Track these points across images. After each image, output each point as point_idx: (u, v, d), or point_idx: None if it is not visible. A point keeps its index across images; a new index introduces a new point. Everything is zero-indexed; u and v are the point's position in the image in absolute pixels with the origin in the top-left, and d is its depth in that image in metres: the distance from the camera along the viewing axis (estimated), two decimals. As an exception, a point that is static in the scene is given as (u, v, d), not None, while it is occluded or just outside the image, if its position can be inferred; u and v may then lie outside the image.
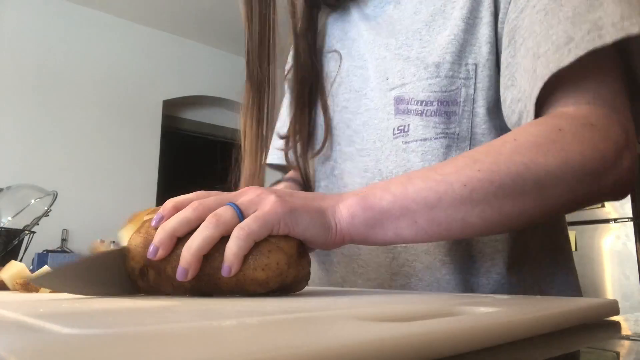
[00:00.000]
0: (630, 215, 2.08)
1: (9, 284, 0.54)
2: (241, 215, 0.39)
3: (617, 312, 0.33)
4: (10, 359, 0.14)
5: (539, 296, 0.39)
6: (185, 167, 4.95)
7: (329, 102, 0.67)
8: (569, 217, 2.23)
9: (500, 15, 0.52)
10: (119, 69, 3.51)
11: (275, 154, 0.78)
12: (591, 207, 2.16)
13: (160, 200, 3.52)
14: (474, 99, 0.53)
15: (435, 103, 0.53)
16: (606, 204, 2.14)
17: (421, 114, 0.54)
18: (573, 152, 0.41)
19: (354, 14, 0.68)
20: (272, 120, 0.67)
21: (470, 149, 0.53)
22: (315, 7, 0.71)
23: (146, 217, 0.43)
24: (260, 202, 0.40)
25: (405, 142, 0.55)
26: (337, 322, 0.22)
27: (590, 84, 0.44)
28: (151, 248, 0.38)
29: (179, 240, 0.39)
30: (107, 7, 3.44)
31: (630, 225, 2.08)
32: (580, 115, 0.43)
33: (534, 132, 0.42)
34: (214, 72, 3.99)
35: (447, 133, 0.53)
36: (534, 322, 0.25)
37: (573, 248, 2.19)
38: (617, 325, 0.32)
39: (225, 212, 0.39)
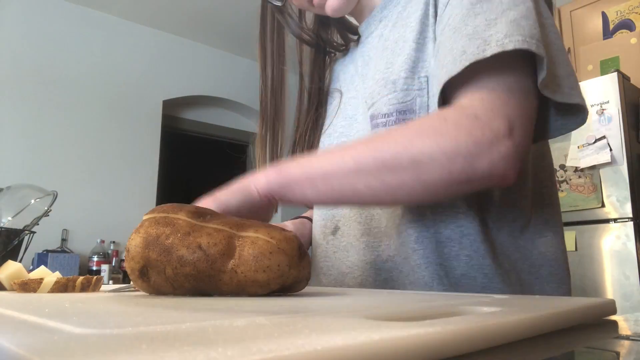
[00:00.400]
0: (630, 215, 2.08)
1: (6, 284, 0.54)
2: None
3: (614, 312, 0.33)
4: (34, 358, 0.14)
5: (537, 296, 0.39)
6: (185, 167, 4.95)
7: (330, 130, 0.78)
8: (569, 218, 2.22)
9: (436, 27, 0.62)
10: (119, 69, 3.51)
11: None
12: (591, 207, 2.16)
13: (160, 200, 3.52)
14: (428, 105, 0.61)
15: (394, 114, 0.62)
16: (606, 203, 2.14)
17: (385, 124, 0.63)
18: (448, 136, 0.49)
19: (355, 53, 0.79)
20: (283, 154, 0.80)
21: None
22: (321, 54, 0.84)
23: (145, 217, 0.42)
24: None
25: None
26: (350, 321, 0.22)
27: (486, 81, 0.53)
28: None
29: (177, 244, 0.40)
30: (108, 8, 3.44)
31: (630, 225, 2.08)
32: (469, 106, 0.51)
33: (424, 121, 0.53)
34: (214, 72, 3.99)
35: None
36: (538, 321, 0.25)
37: (573, 248, 2.20)
38: (614, 324, 0.32)
39: None
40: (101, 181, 3.31)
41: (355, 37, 0.82)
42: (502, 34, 0.51)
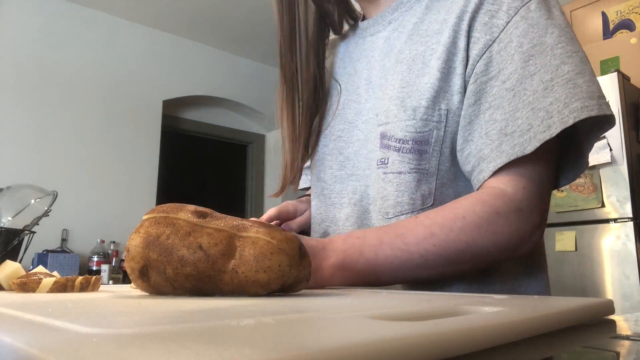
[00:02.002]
0: (630, 215, 2.08)
1: (4, 284, 0.54)
2: None
3: (612, 312, 0.33)
4: (49, 358, 0.14)
5: (535, 296, 0.39)
6: (185, 167, 4.95)
7: (327, 131, 0.75)
8: (569, 218, 2.23)
9: (468, 69, 0.59)
10: (119, 69, 3.51)
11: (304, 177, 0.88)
12: (591, 207, 2.16)
13: (160, 200, 3.52)
14: (443, 140, 0.61)
15: (410, 142, 0.61)
16: (606, 203, 2.14)
17: (399, 150, 0.62)
18: (503, 234, 0.55)
19: (355, 49, 0.76)
20: (306, 110, 0.76)
21: (436, 183, 0.62)
22: (322, 28, 0.78)
23: (145, 217, 0.42)
24: None
25: (385, 173, 0.63)
26: (357, 321, 0.22)
27: (528, 170, 0.56)
28: None
29: (177, 244, 0.40)
30: (108, 8, 3.44)
31: (630, 225, 2.08)
32: (516, 199, 0.55)
33: (479, 213, 0.55)
34: (214, 72, 3.99)
35: (418, 169, 0.61)
36: (542, 320, 0.26)
37: (573, 248, 2.20)
38: (612, 324, 0.32)
39: None
40: (101, 181, 3.31)
41: (352, 23, 0.79)
42: (562, 103, 0.53)
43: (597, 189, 2.16)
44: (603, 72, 2.38)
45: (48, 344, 0.17)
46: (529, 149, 0.54)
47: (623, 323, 0.33)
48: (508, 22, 0.57)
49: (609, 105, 0.54)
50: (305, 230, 0.82)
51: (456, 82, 0.60)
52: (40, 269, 0.55)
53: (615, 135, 2.13)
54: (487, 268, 0.61)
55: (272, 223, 0.71)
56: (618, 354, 0.24)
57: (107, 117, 3.41)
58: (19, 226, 1.10)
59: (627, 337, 0.28)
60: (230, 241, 0.40)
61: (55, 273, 0.52)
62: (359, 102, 0.71)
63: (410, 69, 0.63)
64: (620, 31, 2.59)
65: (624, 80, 2.20)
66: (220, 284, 0.39)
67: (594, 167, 2.17)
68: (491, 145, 0.57)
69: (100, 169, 3.32)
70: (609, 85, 2.17)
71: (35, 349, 0.16)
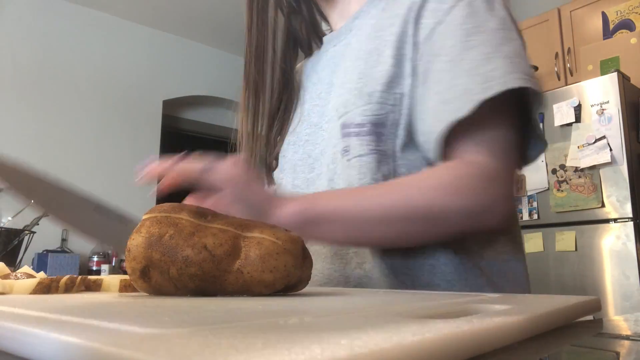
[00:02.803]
0: (630, 215, 2.08)
1: None
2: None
3: (599, 309, 0.33)
4: (139, 356, 0.14)
5: (527, 295, 0.39)
6: (185, 167, 4.94)
7: (294, 137, 0.78)
8: (569, 218, 2.22)
9: (419, 53, 0.63)
10: (119, 69, 3.51)
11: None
12: (591, 207, 2.16)
13: (160, 201, 3.51)
14: (398, 122, 0.63)
15: (368, 125, 0.63)
16: (606, 203, 2.14)
17: (358, 134, 0.64)
18: (468, 197, 0.54)
19: (321, 61, 0.79)
20: (265, 120, 0.79)
21: (394, 165, 0.63)
22: (290, 49, 0.82)
23: (145, 217, 0.42)
24: (223, 182, 0.52)
25: (348, 160, 0.65)
26: (391, 319, 0.23)
27: (489, 131, 0.57)
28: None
29: (181, 244, 0.40)
30: (107, 7, 3.44)
31: (630, 225, 2.08)
32: (479, 166, 0.56)
33: (441, 176, 0.56)
34: (214, 72, 3.99)
35: (377, 150, 0.63)
36: (549, 317, 0.26)
37: (573, 248, 2.20)
38: (599, 321, 0.32)
39: (192, 171, 0.53)
40: (101, 181, 3.31)
41: (320, 45, 0.83)
42: (502, 70, 0.55)
43: (597, 189, 2.16)
44: (603, 72, 2.38)
45: (122, 343, 0.16)
46: (465, 110, 0.54)
47: (623, 323, 0.33)
48: (453, 7, 0.61)
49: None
50: None
51: (407, 66, 0.63)
52: (25, 269, 0.53)
53: (615, 135, 2.13)
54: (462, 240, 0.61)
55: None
56: (618, 354, 0.24)
57: (107, 117, 3.41)
58: (19, 226, 1.10)
59: (627, 337, 0.28)
60: (235, 241, 0.40)
61: (41, 274, 0.49)
62: (322, 105, 0.74)
63: (366, 62, 0.67)
64: (620, 31, 2.59)
65: (624, 80, 2.20)
66: (224, 284, 0.39)
67: (594, 167, 2.17)
68: (435, 118, 0.58)
69: (100, 169, 3.32)
70: (609, 85, 2.17)
71: (114, 348, 0.15)
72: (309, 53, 0.85)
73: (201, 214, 0.43)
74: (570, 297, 0.34)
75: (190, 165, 0.52)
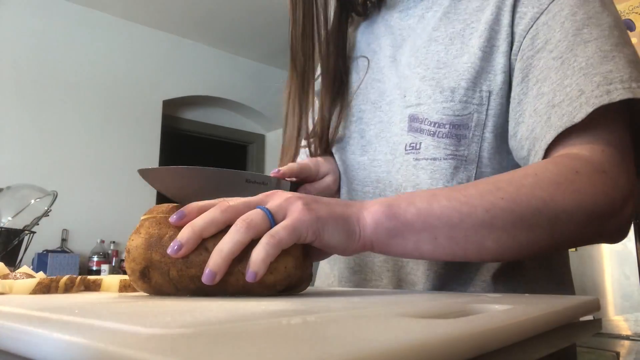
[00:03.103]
0: (630, 215, 2.08)
1: None
2: (273, 220, 0.39)
3: (598, 309, 0.33)
4: (144, 356, 0.14)
5: (526, 295, 0.39)
6: (185, 167, 4.93)
7: (345, 111, 0.69)
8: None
9: (515, 46, 0.54)
10: (119, 69, 3.51)
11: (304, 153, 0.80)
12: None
13: (160, 200, 3.51)
14: (484, 124, 0.55)
15: (447, 126, 0.55)
16: (606, 204, 2.14)
17: (433, 134, 0.56)
18: (587, 194, 0.44)
19: (380, 26, 0.70)
20: (311, 109, 0.69)
21: (476, 171, 0.56)
22: (344, 12, 0.73)
23: (143, 218, 0.42)
24: (288, 207, 0.40)
25: (416, 159, 0.58)
26: (392, 319, 0.23)
27: (602, 131, 0.48)
28: (175, 245, 0.38)
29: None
30: (107, 7, 3.44)
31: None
32: (595, 160, 0.46)
33: (554, 170, 0.45)
34: (214, 72, 3.99)
35: (456, 155, 0.56)
36: (551, 316, 0.26)
37: (573, 248, 2.19)
38: (598, 322, 0.32)
39: (257, 217, 0.39)
40: (101, 181, 3.30)
41: (375, 1, 0.73)
42: (627, 74, 0.47)
43: (597, 189, 2.16)
44: (603, 72, 2.37)
45: (126, 343, 0.16)
46: (579, 116, 0.46)
47: (623, 323, 0.33)
48: None
49: None
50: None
51: (499, 61, 0.55)
52: (25, 269, 0.53)
53: (615, 135, 2.12)
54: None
55: (291, 179, 0.60)
56: (618, 354, 0.24)
57: (107, 117, 3.41)
58: (19, 226, 1.10)
59: (627, 337, 0.28)
60: None
61: (40, 274, 0.49)
62: (383, 81, 0.66)
63: (447, 49, 0.58)
64: (620, 31, 2.59)
65: (624, 80, 2.20)
66: (225, 285, 0.39)
67: (594, 167, 2.16)
68: (541, 121, 0.50)
69: (100, 169, 3.32)
70: (609, 85, 2.17)
71: (119, 348, 0.15)
72: (364, 13, 0.74)
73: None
74: (569, 297, 0.34)
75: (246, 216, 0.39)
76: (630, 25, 2.57)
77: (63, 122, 3.22)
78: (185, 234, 0.38)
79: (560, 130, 0.47)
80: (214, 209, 0.39)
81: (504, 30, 0.55)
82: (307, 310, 0.28)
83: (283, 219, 0.39)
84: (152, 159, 3.55)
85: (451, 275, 0.58)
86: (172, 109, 3.85)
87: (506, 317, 0.23)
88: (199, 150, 4.33)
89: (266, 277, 0.38)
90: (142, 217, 0.42)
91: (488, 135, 0.56)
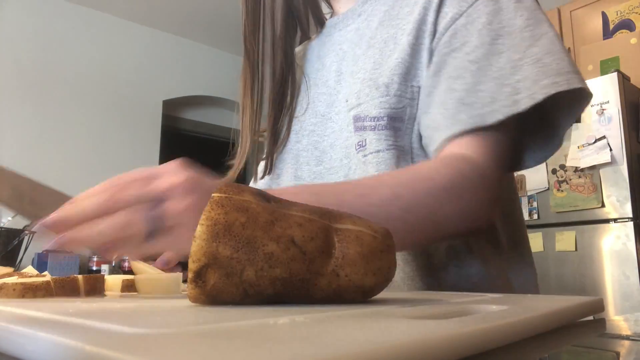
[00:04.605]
0: (630, 215, 2.08)
1: None
2: (151, 236, 0.38)
3: (602, 309, 0.33)
4: (116, 355, 0.14)
5: (529, 295, 0.39)
6: (185, 167, 4.93)
7: (297, 127, 0.73)
8: (569, 218, 2.22)
9: (435, 41, 0.59)
10: (119, 69, 3.51)
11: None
12: (591, 207, 2.16)
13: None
14: (415, 117, 0.60)
15: (385, 118, 0.60)
16: (606, 203, 2.14)
17: (374, 128, 0.60)
18: (469, 200, 0.52)
19: (323, 45, 0.75)
20: (263, 96, 0.73)
21: (412, 162, 0.60)
22: (292, 22, 0.77)
23: (212, 195, 0.31)
24: (177, 217, 0.39)
25: (364, 156, 0.61)
26: (385, 319, 0.23)
27: (489, 141, 0.54)
28: (53, 217, 0.36)
29: (262, 235, 0.30)
30: (107, 7, 3.44)
31: (630, 225, 2.08)
32: (480, 164, 0.53)
33: (446, 176, 0.51)
34: (214, 72, 3.99)
35: (396, 145, 0.60)
36: (541, 319, 0.26)
37: (573, 248, 2.19)
38: (602, 322, 0.32)
39: (135, 225, 0.38)
40: (101, 181, 3.29)
41: (320, 29, 0.78)
42: (530, 80, 0.52)
43: (597, 189, 2.16)
44: (603, 72, 2.38)
45: (107, 343, 0.17)
46: (490, 120, 0.52)
47: (623, 323, 0.33)
48: (477, 0, 0.57)
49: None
50: None
51: (424, 56, 0.60)
52: (30, 269, 0.53)
53: (615, 135, 2.12)
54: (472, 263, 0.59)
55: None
56: (618, 354, 0.24)
57: (107, 117, 3.41)
58: (19, 226, 1.10)
59: (627, 337, 0.28)
60: (327, 234, 0.31)
61: (45, 273, 0.49)
62: (330, 94, 0.70)
63: (382, 51, 0.63)
64: (620, 31, 2.59)
65: (624, 80, 2.20)
66: (313, 289, 0.31)
67: (594, 167, 2.16)
68: (445, 114, 0.55)
69: (100, 169, 3.32)
70: (609, 86, 2.17)
71: (98, 348, 0.16)
72: (307, 37, 0.80)
73: (265, 197, 0.33)
74: (572, 297, 0.34)
75: (121, 194, 0.39)
76: (630, 25, 2.57)
77: (63, 122, 3.22)
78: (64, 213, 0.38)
79: (469, 127, 0.53)
80: (101, 195, 0.42)
81: (428, 28, 0.60)
82: (297, 310, 0.27)
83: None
84: (152, 159, 3.55)
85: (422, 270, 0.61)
86: (172, 109, 3.85)
87: (498, 318, 0.23)
88: (199, 150, 4.33)
89: (368, 279, 0.31)
90: (212, 195, 0.32)
91: (417, 127, 0.60)
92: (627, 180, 2.09)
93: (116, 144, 3.41)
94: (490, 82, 0.54)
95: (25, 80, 3.13)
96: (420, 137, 0.60)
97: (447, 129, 0.55)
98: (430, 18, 0.60)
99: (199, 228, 0.30)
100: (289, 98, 0.75)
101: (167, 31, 3.77)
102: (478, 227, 0.55)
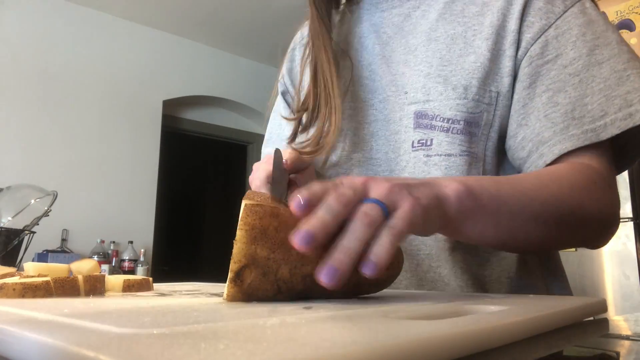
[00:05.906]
0: (630, 215, 2.08)
1: None
2: (387, 213, 0.35)
3: (605, 310, 0.33)
4: (93, 355, 0.15)
5: (531, 295, 0.39)
6: (185, 167, 4.95)
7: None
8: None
9: (521, 52, 0.57)
10: (119, 69, 3.51)
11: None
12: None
13: (160, 201, 3.52)
14: (491, 124, 0.58)
15: (462, 122, 0.57)
16: (606, 204, 2.14)
17: (447, 130, 0.58)
18: (605, 203, 0.52)
19: (363, 22, 0.70)
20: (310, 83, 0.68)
21: (483, 169, 0.59)
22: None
23: (245, 202, 0.34)
24: (397, 199, 0.36)
25: (427, 156, 0.58)
26: (378, 320, 0.23)
27: (601, 154, 0.54)
28: (307, 236, 0.31)
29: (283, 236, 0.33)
30: (108, 7, 3.44)
31: (630, 225, 2.08)
32: (605, 175, 0.53)
33: (579, 177, 0.50)
34: (214, 72, 3.99)
35: (469, 151, 0.58)
36: (550, 318, 0.26)
37: (573, 248, 2.19)
38: (605, 322, 0.32)
39: (374, 211, 0.35)
40: (101, 181, 3.30)
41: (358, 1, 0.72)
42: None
43: (597, 189, 2.16)
44: (603, 72, 2.37)
45: (93, 343, 0.17)
46: (604, 135, 0.52)
47: (623, 323, 0.33)
48: (565, 11, 0.56)
49: None
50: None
51: (506, 64, 0.58)
52: (29, 265, 0.52)
53: (615, 135, 2.13)
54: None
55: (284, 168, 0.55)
56: (618, 354, 0.24)
57: (107, 117, 3.41)
58: (19, 226, 1.10)
59: (627, 337, 0.28)
60: None
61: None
62: (373, 79, 0.66)
63: (449, 47, 0.60)
64: (620, 31, 2.58)
65: (624, 80, 2.20)
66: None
67: (594, 167, 2.17)
68: (554, 128, 0.54)
69: (100, 169, 3.32)
70: (609, 85, 2.17)
71: (84, 349, 0.16)
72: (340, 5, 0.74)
73: (279, 201, 0.36)
74: (575, 298, 0.34)
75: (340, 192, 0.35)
76: (630, 25, 2.57)
77: (63, 122, 3.22)
78: (315, 224, 0.32)
79: (585, 142, 0.52)
80: (331, 199, 0.34)
81: (510, 36, 0.58)
82: (289, 311, 0.27)
83: (393, 210, 0.36)
84: (152, 159, 3.55)
85: (474, 271, 0.59)
86: (172, 109, 3.85)
87: (494, 319, 0.23)
88: (199, 151, 4.33)
89: (381, 272, 0.33)
90: (243, 203, 0.35)
91: (493, 134, 0.58)
92: (627, 180, 2.09)
93: (116, 144, 3.41)
94: (596, 94, 0.53)
95: (25, 79, 3.13)
96: (495, 144, 0.59)
97: (560, 143, 0.53)
98: (513, 26, 0.58)
99: (238, 232, 0.33)
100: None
101: (167, 31, 3.77)
102: (607, 238, 0.55)
